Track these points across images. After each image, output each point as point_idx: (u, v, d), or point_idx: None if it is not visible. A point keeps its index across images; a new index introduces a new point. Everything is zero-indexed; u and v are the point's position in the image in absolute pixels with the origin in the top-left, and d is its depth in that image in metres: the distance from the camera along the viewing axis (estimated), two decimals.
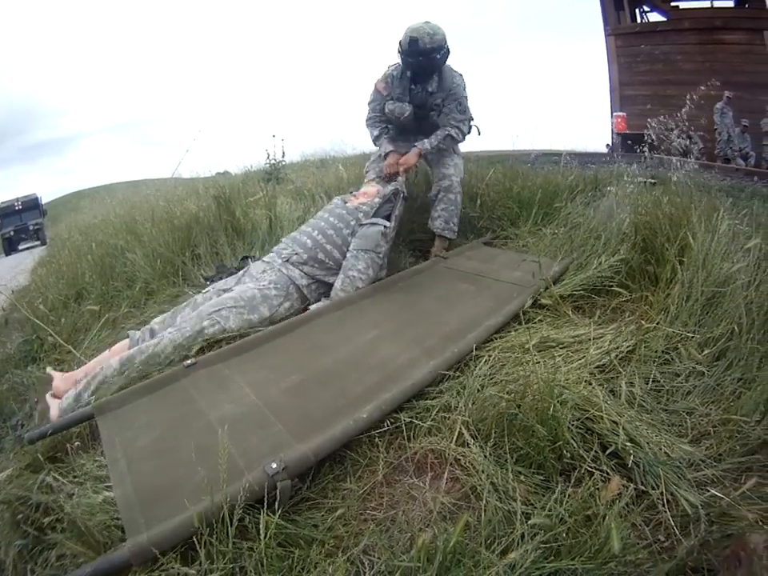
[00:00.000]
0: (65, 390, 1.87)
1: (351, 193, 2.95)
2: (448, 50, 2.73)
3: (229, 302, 2.16)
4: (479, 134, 3.05)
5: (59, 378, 1.93)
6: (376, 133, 3.09)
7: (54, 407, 1.80)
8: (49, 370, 2.03)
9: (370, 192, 2.78)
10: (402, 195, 2.79)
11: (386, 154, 3.01)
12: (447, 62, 2.80)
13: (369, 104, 3.07)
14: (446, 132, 2.88)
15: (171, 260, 3.20)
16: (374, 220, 2.54)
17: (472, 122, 3.00)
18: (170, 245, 3.29)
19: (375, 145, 3.18)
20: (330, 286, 2.41)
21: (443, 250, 2.95)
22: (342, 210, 2.62)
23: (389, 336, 1.94)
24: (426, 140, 2.88)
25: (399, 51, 2.73)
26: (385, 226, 2.52)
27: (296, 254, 2.43)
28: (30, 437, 1.50)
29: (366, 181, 3.12)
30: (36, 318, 2.50)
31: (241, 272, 2.47)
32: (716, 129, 9.33)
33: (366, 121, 3.13)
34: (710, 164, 7.14)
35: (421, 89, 2.85)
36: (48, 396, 1.88)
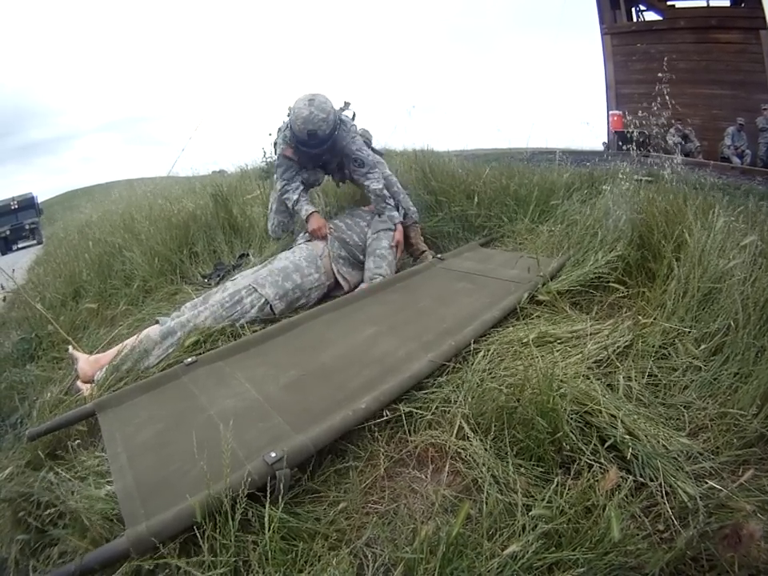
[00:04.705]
0: (92, 373, 1.89)
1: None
2: (336, 119, 2.68)
3: (263, 272, 2.40)
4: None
5: (84, 361, 1.94)
6: (295, 197, 2.86)
7: (83, 391, 1.83)
8: (71, 350, 2.04)
9: None
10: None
11: (308, 216, 2.82)
12: None
13: (281, 174, 2.86)
14: (375, 195, 2.86)
15: (169, 258, 3.21)
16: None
17: (372, 155, 2.91)
18: (168, 243, 3.31)
19: (294, 210, 2.94)
20: (350, 261, 2.74)
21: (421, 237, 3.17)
22: (358, 209, 3.06)
23: (387, 333, 1.95)
24: (392, 214, 2.88)
25: (291, 136, 2.69)
26: (396, 213, 2.94)
27: None
28: (30, 434, 1.50)
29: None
30: (34, 316, 2.50)
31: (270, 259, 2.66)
32: None
33: (281, 190, 2.89)
34: (705, 162, 7.17)
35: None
36: (78, 382, 1.91)
